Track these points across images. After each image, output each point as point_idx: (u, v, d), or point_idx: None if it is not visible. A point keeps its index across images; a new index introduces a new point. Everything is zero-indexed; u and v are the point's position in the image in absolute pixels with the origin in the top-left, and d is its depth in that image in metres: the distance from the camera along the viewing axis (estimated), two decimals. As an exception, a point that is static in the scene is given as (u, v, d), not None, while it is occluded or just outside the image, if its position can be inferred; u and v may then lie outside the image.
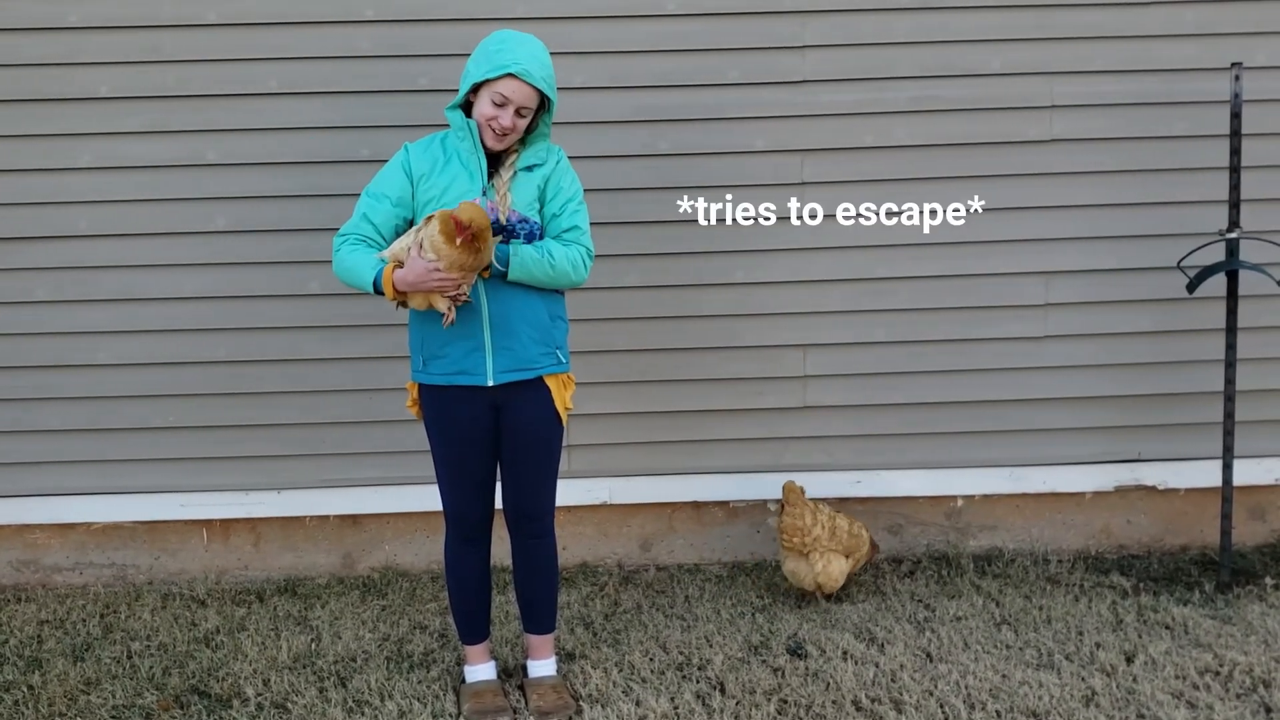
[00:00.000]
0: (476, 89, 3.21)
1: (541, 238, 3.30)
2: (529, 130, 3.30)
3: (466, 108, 3.28)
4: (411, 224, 3.29)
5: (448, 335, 3.24)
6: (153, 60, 4.20)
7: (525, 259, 3.21)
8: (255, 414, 4.39)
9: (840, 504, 4.44)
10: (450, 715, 3.38)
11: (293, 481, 4.43)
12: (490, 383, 3.26)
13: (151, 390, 4.36)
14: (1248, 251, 4.17)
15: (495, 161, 3.28)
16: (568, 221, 3.31)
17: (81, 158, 4.24)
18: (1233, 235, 4.07)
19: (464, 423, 3.30)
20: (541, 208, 3.31)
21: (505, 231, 3.22)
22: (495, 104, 3.17)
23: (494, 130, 3.19)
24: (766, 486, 4.51)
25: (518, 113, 3.19)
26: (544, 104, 3.27)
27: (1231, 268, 4.08)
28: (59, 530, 4.47)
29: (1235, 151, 4.03)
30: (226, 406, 4.38)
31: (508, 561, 3.57)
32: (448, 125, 3.31)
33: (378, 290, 3.17)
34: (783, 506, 4.12)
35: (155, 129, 4.24)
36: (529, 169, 3.29)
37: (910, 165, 4.35)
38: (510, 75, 3.14)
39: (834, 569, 4.07)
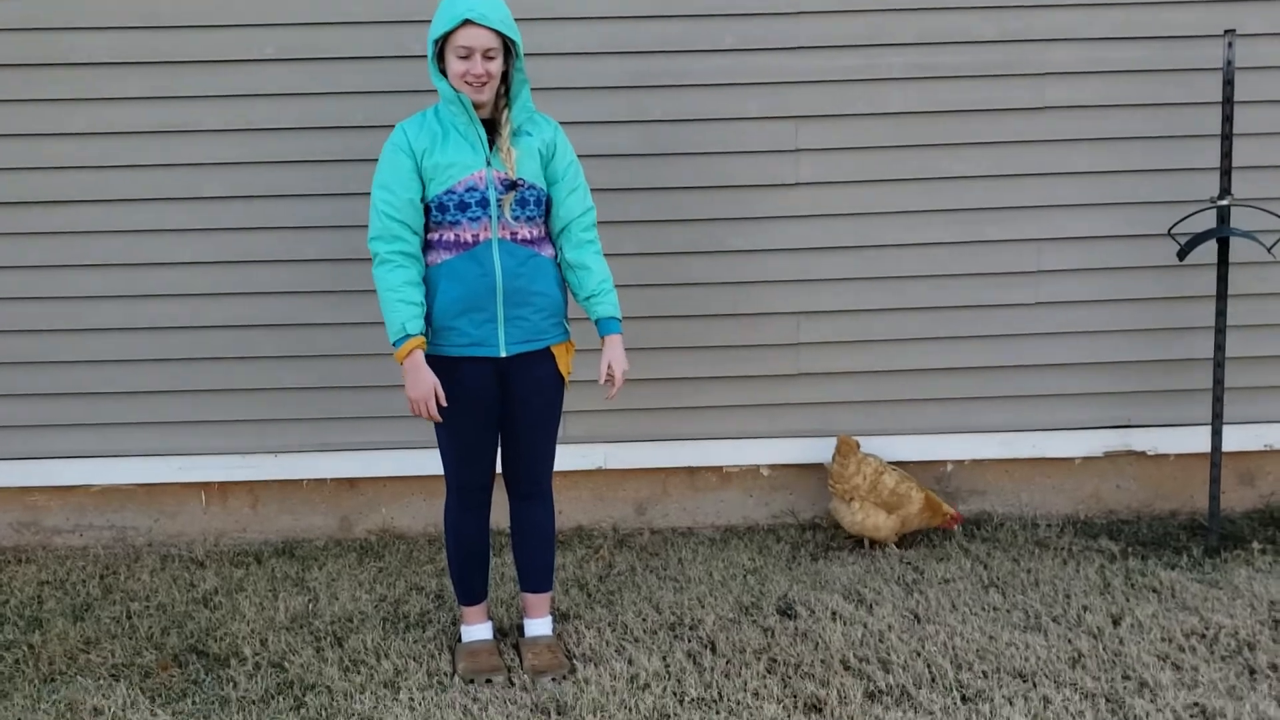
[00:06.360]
0: (442, 51, 3.23)
1: (541, 204, 3.34)
2: (505, 81, 3.30)
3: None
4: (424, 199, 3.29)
5: (459, 308, 3.28)
6: (148, 26, 4.20)
7: (617, 302, 3.44)
8: (252, 378, 4.42)
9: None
10: (445, 674, 3.43)
11: (290, 445, 4.47)
12: (503, 354, 3.32)
13: (149, 354, 4.39)
14: (1239, 218, 4.18)
15: (490, 128, 3.31)
16: (581, 205, 3.40)
17: (75, 123, 4.25)
18: (1224, 202, 4.09)
19: (472, 392, 3.34)
20: (544, 172, 3.35)
21: (515, 188, 3.27)
22: (461, 57, 3.18)
23: (470, 83, 3.20)
24: (760, 452, 4.55)
25: (485, 56, 3.19)
26: (511, 51, 3.27)
27: (1222, 235, 4.10)
28: (58, 492, 4.51)
29: (1227, 119, 4.04)
30: (224, 370, 4.41)
31: (505, 524, 3.62)
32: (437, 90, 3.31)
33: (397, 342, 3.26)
34: (834, 455, 4.32)
35: (148, 95, 4.24)
36: (527, 134, 3.32)
37: (904, 132, 4.36)
38: (467, 22, 3.16)
39: (871, 520, 4.24)
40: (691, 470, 4.61)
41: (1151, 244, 4.39)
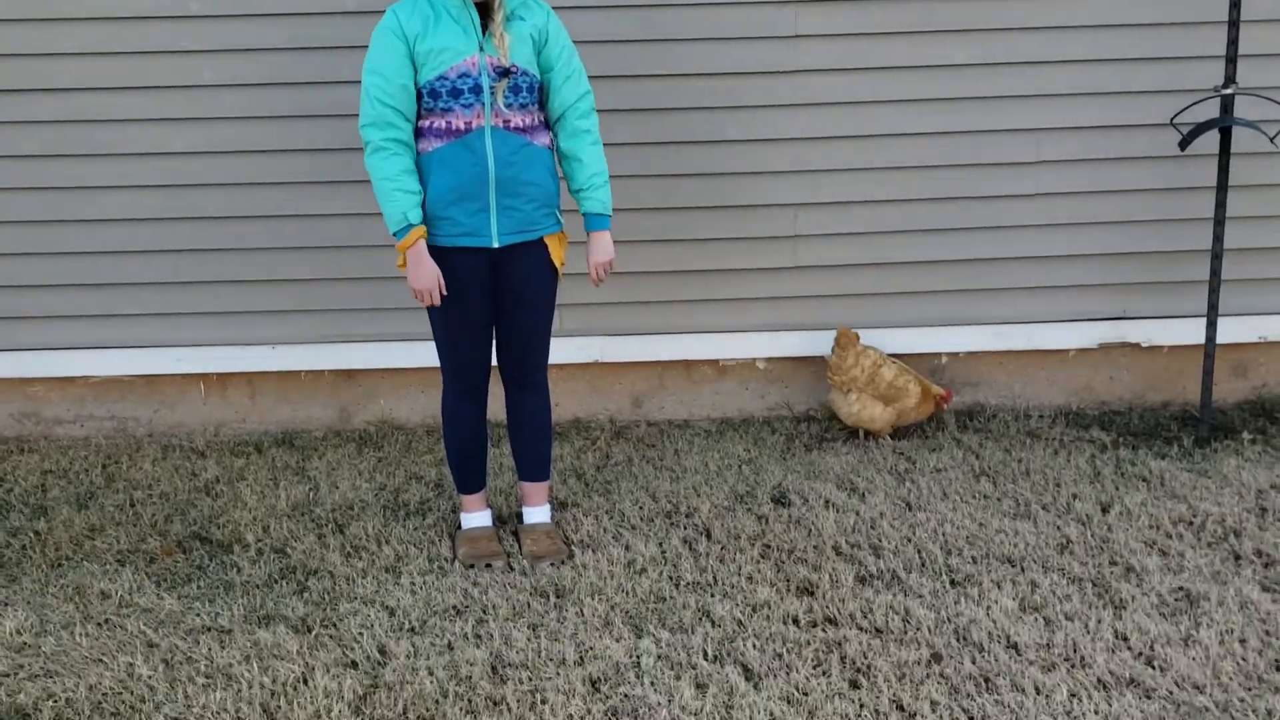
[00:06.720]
0: None
1: (534, 91, 3.30)
2: None
3: None
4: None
5: (452, 196, 3.26)
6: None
7: (607, 199, 3.42)
8: (251, 269, 4.41)
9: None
10: (445, 559, 3.50)
11: (288, 336, 4.48)
12: (496, 244, 3.31)
13: (147, 245, 4.38)
14: (1242, 108, 4.13)
15: (483, 13, 3.26)
16: (575, 91, 3.36)
17: (66, 7, 4.17)
18: (1228, 91, 4.04)
19: (466, 283, 3.34)
20: (538, 59, 3.31)
21: (508, 74, 3.23)
22: None
23: None
24: (756, 345, 4.57)
25: None
26: None
27: (1225, 124, 4.06)
28: (59, 384, 4.53)
29: (1235, 4, 3.97)
30: (222, 262, 4.41)
31: (503, 415, 3.65)
32: None
33: (399, 231, 3.26)
34: (834, 347, 4.36)
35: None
36: (520, 19, 3.27)
37: (904, 19, 4.28)
38: None
39: (868, 412, 4.28)
40: (688, 363, 4.63)
41: (1152, 134, 4.34)
